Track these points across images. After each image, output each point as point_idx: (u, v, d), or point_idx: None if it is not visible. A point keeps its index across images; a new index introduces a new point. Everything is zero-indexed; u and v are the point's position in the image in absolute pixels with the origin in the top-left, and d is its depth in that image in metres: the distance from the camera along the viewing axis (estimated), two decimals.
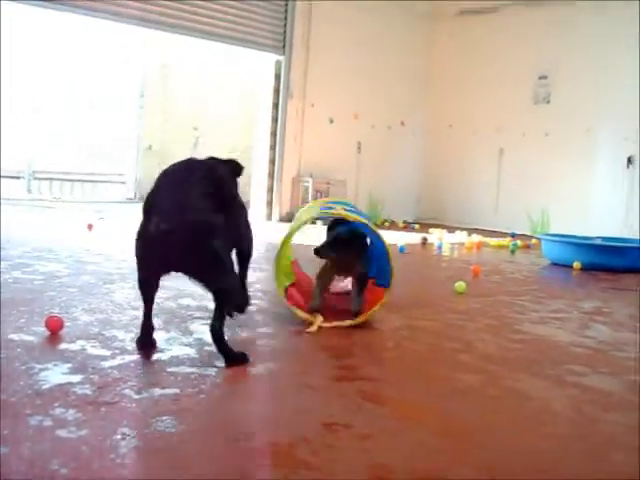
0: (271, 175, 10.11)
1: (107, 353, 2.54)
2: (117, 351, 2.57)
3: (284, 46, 9.99)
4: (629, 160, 9.40)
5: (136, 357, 2.52)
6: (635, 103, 9.24)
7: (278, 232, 8.02)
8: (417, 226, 9.88)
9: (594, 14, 9.70)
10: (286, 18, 9.99)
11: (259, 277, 4.76)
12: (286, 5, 9.97)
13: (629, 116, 9.34)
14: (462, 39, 11.48)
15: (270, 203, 10.14)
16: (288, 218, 9.93)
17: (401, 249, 6.69)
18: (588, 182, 9.89)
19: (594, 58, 9.76)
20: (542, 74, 10.46)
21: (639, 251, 6.68)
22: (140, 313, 2.70)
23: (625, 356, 3.08)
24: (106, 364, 2.40)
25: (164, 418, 1.93)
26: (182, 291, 3.86)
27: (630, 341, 3.38)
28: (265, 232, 8.42)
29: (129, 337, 2.78)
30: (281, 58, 10.02)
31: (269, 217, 10.11)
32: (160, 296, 3.67)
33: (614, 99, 9.56)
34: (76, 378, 2.23)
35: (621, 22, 9.45)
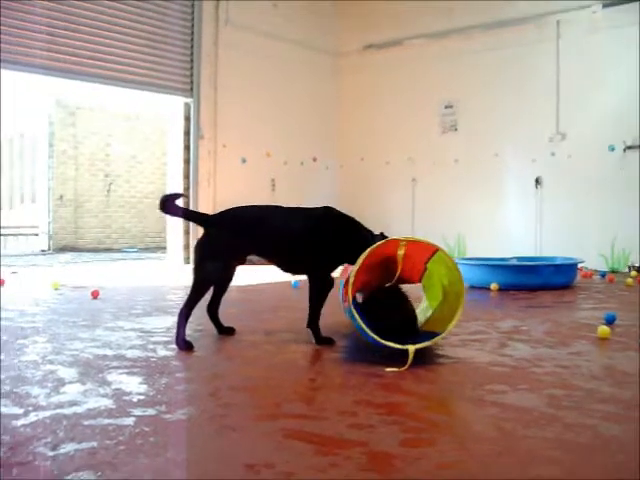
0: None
1: (20, 411, 2.44)
2: (30, 408, 2.48)
3: (192, 89, 9.99)
4: (537, 181, 9.69)
5: (50, 413, 2.44)
6: (540, 125, 9.57)
7: None
8: None
9: (493, 47, 10.05)
10: (192, 61, 10.00)
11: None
12: (192, 48, 9.99)
13: (535, 138, 9.66)
14: (368, 73, 11.70)
15: (187, 247, 10.04)
16: None
17: (295, 284, 6.63)
18: (500, 205, 10.16)
19: (497, 85, 10.09)
20: (448, 103, 10.73)
21: (552, 268, 6.89)
22: (54, 367, 2.62)
23: (543, 371, 3.14)
24: (18, 422, 2.31)
25: (81, 474, 1.87)
26: (98, 341, 3.77)
27: (547, 356, 3.45)
28: (183, 276, 8.34)
29: (43, 393, 2.69)
30: (189, 100, 10.00)
31: (187, 261, 10.00)
32: (75, 348, 3.59)
33: (519, 123, 9.88)
34: None
35: (518, 50, 9.79)
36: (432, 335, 3.43)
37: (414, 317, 3.72)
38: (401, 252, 3.56)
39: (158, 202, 3.86)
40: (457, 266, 3.52)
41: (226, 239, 3.83)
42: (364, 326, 3.31)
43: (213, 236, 3.86)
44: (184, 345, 3.64)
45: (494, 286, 6.39)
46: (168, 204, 3.86)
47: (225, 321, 4.24)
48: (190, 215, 4.75)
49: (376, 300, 3.69)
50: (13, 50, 8.12)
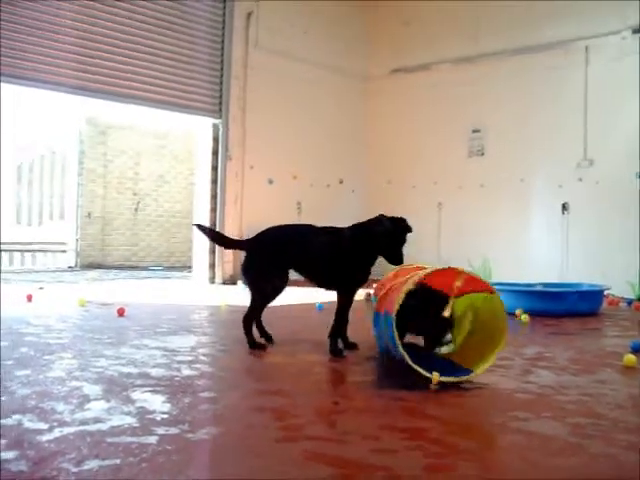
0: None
1: (45, 426, 2.47)
2: (55, 423, 2.51)
3: (220, 110, 10.07)
4: (564, 207, 9.64)
5: (75, 429, 2.46)
6: (568, 150, 9.54)
7: (221, 295, 8.00)
8: None
9: (521, 72, 10.06)
10: (221, 83, 10.09)
11: (201, 341, 4.71)
12: (221, 70, 10.09)
13: (562, 164, 9.62)
14: (396, 97, 11.73)
15: (213, 266, 10.09)
16: (232, 281, 9.90)
17: (319, 307, 6.64)
18: (526, 230, 10.10)
19: (524, 110, 10.07)
20: (475, 128, 10.73)
21: (577, 295, 6.84)
22: (79, 383, 2.64)
23: (567, 399, 3.11)
24: (43, 438, 2.34)
25: None
26: (123, 359, 3.80)
27: (571, 384, 3.43)
28: (208, 295, 8.38)
29: (68, 409, 2.72)
30: (218, 122, 10.08)
31: (212, 280, 10.05)
32: (101, 365, 3.62)
33: (546, 148, 9.84)
34: (10, 454, 2.16)
35: (546, 76, 9.79)
36: (459, 368, 3.40)
37: (446, 325, 3.71)
38: (458, 283, 3.52)
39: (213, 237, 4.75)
40: (506, 316, 3.47)
41: (267, 256, 4.29)
42: (399, 342, 3.28)
43: (255, 256, 4.35)
44: (255, 346, 4.27)
45: (519, 312, 6.32)
46: (216, 234, 4.65)
47: (245, 340, 4.29)
48: (234, 244, 4.89)
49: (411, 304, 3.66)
50: (46, 70, 8.26)
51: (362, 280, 4.29)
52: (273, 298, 4.39)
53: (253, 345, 4.28)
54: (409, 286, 3.37)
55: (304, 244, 4.32)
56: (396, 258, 4.27)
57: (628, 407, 3.02)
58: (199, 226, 4.84)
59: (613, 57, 9.14)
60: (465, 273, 3.48)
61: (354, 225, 4.41)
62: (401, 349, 3.25)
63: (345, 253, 4.21)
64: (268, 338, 4.56)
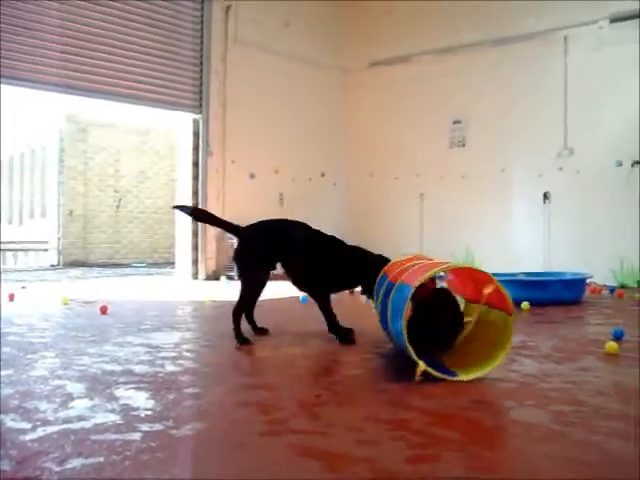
0: (195, 234, 10.06)
1: (27, 426, 2.46)
2: (38, 423, 2.50)
3: (201, 105, 10.04)
4: (545, 196, 9.68)
5: (58, 427, 2.45)
6: (548, 140, 9.58)
7: (205, 291, 7.99)
8: None
9: (501, 62, 10.09)
10: (201, 77, 10.06)
11: (185, 337, 4.70)
12: (201, 64, 10.05)
13: (543, 153, 9.67)
14: (377, 89, 11.74)
15: (196, 262, 10.07)
16: (215, 276, 9.88)
17: (303, 299, 6.61)
18: (508, 220, 10.15)
19: (504, 101, 10.10)
20: (456, 119, 10.76)
21: (560, 284, 6.87)
22: (62, 382, 2.63)
23: (550, 387, 3.13)
24: (26, 437, 2.33)
25: None
26: (106, 356, 3.79)
27: (554, 372, 3.45)
28: (191, 291, 8.37)
29: (51, 408, 2.71)
30: (198, 117, 10.05)
31: (195, 276, 10.04)
32: (84, 363, 3.60)
33: (527, 138, 9.88)
34: None
35: (525, 66, 9.82)
36: (445, 370, 3.38)
37: (458, 324, 3.70)
38: (488, 291, 3.48)
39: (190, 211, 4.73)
40: (511, 337, 3.41)
41: (260, 248, 4.38)
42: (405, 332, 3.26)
43: (250, 245, 4.41)
44: (243, 341, 4.26)
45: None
46: (199, 212, 4.64)
47: (233, 334, 4.28)
48: (223, 224, 4.77)
49: (427, 302, 3.69)
50: (25, 67, 8.20)
51: (333, 289, 4.52)
52: (261, 290, 4.44)
53: (242, 340, 4.28)
54: (435, 272, 3.34)
55: (293, 242, 4.44)
56: (368, 290, 4.42)
57: (610, 394, 3.04)
58: (180, 207, 4.87)
59: (592, 47, 9.18)
60: (495, 282, 3.43)
61: (352, 247, 4.58)
62: (408, 344, 3.24)
63: (326, 265, 4.40)
64: (262, 331, 4.64)
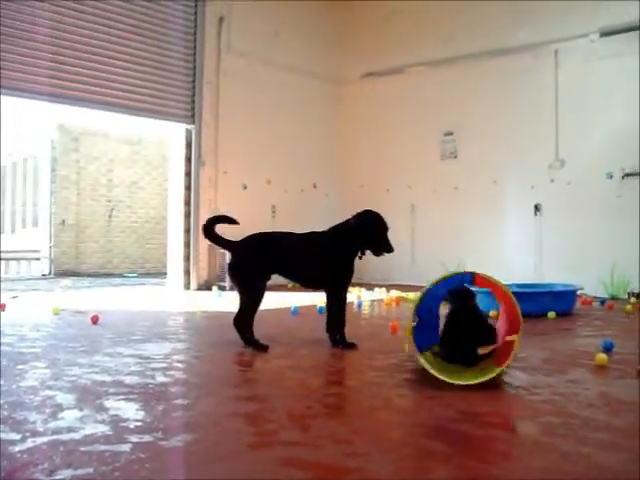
0: (187, 244, 10.06)
1: (17, 437, 2.45)
2: (28, 434, 2.49)
3: (193, 115, 10.05)
4: (536, 208, 9.72)
5: (48, 438, 2.44)
6: (539, 152, 9.63)
7: (196, 301, 7.98)
8: None
9: (493, 75, 10.15)
10: (194, 88, 10.07)
11: (176, 347, 4.70)
12: (194, 75, 10.07)
13: (534, 165, 9.71)
14: (369, 100, 11.78)
15: (188, 272, 10.06)
16: (207, 286, 9.88)
17: (294, 311, 6.69)
18: (499, 231, 10.18)
19: (496, 113, 10.14)
20: (448, 131, 10.80)
21: (550, 295, 6.89)
22: (52, 393, 2.62)
23: (540, 399, 3.14)
24: (16, 448, 2.32)
25: None
26: (96, 367, 3.79)
27: (544, 384, 3.46)
28: (183, 302, 8.36)
29: (41, 418, 2.70)
30: (191, 127, 10.06)
31: (187, 286, 10.02)
32: (74, 373, 3.60)
33: (518, 150, 9.93)
34: None
35: (517, 78, 9.88)
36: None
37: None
38: (510, 339, 3.49)
39: (203, 227, 4.73)
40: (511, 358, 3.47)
41: (255, 259, 4.51)
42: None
43: (242, 258, 4.57)
44: (258, 347, 4.39)
45: (493, 313, 6.35)
46: (210, 230, 4.66)
47: (225, 346, 4.28)
48: (221, 242, 4.84)
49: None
50: (17, 77, 8.20)
51: (349, 276, 4.62)
52: (261, 300, 4.55)
53: (257, 347, 4.41)
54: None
55: (291, 249, 4.63)
56: (383, 247, 4.58)
57: (599, 406, 3.05)
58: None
59: (582, 60, 9.24)
60: (518, 333, 3.47)
61: (333, 226, 4.73)
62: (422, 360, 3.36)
63: (330, 251, 4.55)
64: (261, 347, 4.56)
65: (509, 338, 3.47)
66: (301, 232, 4.80)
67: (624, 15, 8.82)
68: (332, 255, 4.54)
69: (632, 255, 8.59)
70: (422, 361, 3.38)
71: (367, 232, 4.53)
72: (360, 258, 4.60)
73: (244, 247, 4.62)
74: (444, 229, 10.69)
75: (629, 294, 8.52)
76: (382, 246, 4.56)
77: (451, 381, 3.29)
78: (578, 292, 7.18)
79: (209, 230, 4.69)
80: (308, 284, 4.82)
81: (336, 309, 4.60)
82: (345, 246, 4.55)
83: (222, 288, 9.50)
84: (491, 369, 3.43)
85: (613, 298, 8.55)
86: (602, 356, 4.00)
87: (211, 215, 5.06)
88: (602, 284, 8.84)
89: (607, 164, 8.98)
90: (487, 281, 3.62)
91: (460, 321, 3.73)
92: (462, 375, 3.39)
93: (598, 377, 3.74)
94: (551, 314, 6.43)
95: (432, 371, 3.32)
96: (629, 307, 7.17)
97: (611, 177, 8.95)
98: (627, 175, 8.82)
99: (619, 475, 2.16)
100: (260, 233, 4.75)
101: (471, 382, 3.30)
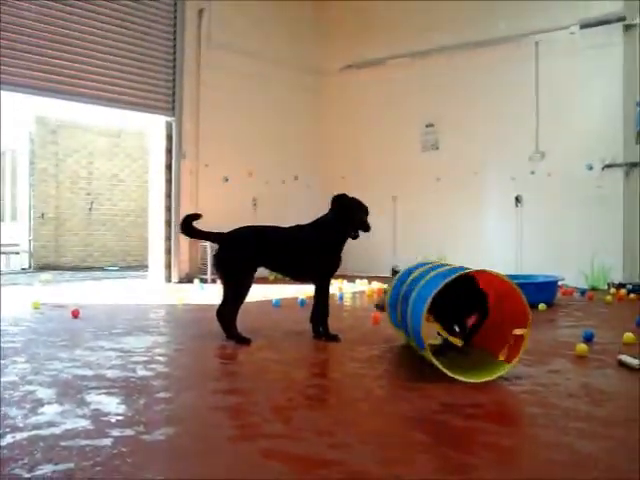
0: (168, 237, 10.01)
1: None
2: (8, 429, 2.47)
3: (174, 107, 9.99)
4: (517, 199, 9.76)
5: (28, 434, 2.43)
6: (520, 144, 9.66)
7: (178, 294, 7.95)
8: None
9: (474, 66, 10.17)
10: (174, 80, 10.01)
11: (157, 341, 4.68)
12: (174, 67, 10.01)
13: (515, 156, 9.74)
14: (350, 92, 11.77)
15: (169, 265, 10.01)
16: (188, 279, 9.84)
17: (276, 303, 6.71)
18: (480, 223, 10.21)
19: (477, 104, 10.16)
20: (429, 122, 10.81)
21: (532, 286, 6.91)
22: (33, 388, 2.60)
23: (521, 390, 3.17)
24: None
25: None
26: (77, 361, 3.76)
27: (525, 375, 3.48)
28: (164, 295, 8.32)
29: (21, 414, 2.68)
30: (171, 119, 10.00)
31: (168, 279, 9.98)
32: (55, 368, 3.58)
33: (499, 141, 9.95)
34: None
35: (498, 70, 9.90)
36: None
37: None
38: (519, 332, 3.48)
39: (181, 225, 4.71)
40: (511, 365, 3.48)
41: (241, 253, 4.49)
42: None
43: (230, 251, 4.53)
44: (241, 341, 4.37)
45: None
46: (189, 227, 4.63)
47: (207, 339, 4.26)
48: (206, 236, 4.84)
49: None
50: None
51: (336, 267, 4.69)
52: (247, 293, 4.56)
53: (240, 340, 4.40)
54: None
55: (279, 242, 4.64)
56: (360, 226, 4.63)
57: (580, 396, 3.07)
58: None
59: (562, 52, 9.26)
60: (527, 328, 3.47)
61: (316, 219, 4.83)
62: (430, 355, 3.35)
63: (318, 243, 4.59)
64: (243, 340, 4.51)
65: (518, 332, 3.46)
66: (286, 226, 4.81)
67: (604, 7, 8.86)
68: (320, 246, 4.58)
69: (612, 246, 8.65)
70: (434, 360, 3.32)
71: (346, 216, 4.63)
72: (354, 238, 4.65)
73: (232, 240, 4.60)
74: (425, 220, 10.71)
75: (609, 285, 8.57)
76: (360, 225, 4.62)
77: (463, 379, 3.27)
78: (559, 283, 7.22)
79: (188, 228, 4.68)
80: (296, 276, 4.84)
81: (323, 300, 4.63)
82: (330, 236, 4.60)
83: (204, 281, 9.47)
84: (500, 366, 3.44)
85: (593, 289, 8.60)
86: (582, 346, 4.03)
87: (190, 212, 5.00)
88: (582, 275, 8.90)
89: (587, 155, 9.02)
90: (492, 276, 3.61)
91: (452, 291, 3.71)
92: (473, 372, 3.38)
93: (579, 367, 3.77)
94: (542, 306, 6.43)
95: (444, 370, 3.29)
96: (609, 298, 7.23)
97: (591, 168, 9.00)
98: (607, 166, 8.87)
99: (599, 463, 2.18)
100: (248, 226, 4.75)
101: (481, 379, 3.30)
